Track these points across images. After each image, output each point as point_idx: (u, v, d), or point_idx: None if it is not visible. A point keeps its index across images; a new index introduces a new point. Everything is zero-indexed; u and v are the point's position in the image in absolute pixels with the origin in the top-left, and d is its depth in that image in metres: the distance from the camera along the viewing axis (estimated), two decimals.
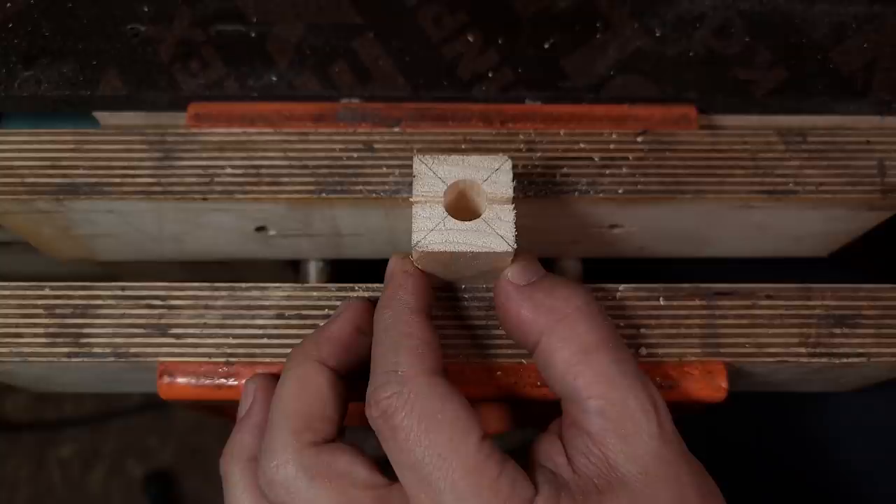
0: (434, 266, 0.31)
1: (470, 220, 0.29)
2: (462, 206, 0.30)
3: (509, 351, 0.33)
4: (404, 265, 0.30)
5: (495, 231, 0.28)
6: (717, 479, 0.29)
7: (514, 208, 0.29)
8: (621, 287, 0.34)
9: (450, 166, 0.29)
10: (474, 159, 0.29)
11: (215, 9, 0.38)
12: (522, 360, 0.33)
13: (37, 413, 1.23)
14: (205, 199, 0.35)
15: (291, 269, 0.65)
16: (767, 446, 0.58)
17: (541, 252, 0.34)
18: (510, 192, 0.29)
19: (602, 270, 0.46)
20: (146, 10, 0.38)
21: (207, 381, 0.33)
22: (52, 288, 0.34)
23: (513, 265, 0.30)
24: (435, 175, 0.29)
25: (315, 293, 0.34)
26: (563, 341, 0.28)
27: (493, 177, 0.29)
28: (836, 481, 0.55)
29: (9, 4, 0.38)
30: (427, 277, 0.30)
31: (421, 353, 0.27)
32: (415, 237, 0.28)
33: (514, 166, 0.30)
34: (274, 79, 0.37)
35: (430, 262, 0.30)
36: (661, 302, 0.34)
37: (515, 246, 0.28)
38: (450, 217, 0.28)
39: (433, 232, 0.28)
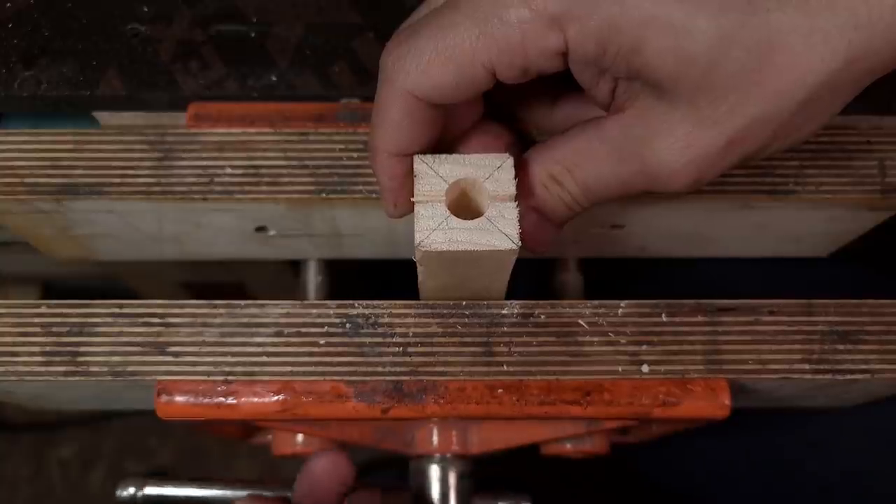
0: (437, 270, 0.30)
1: (472, 219, 0.28)
2: (464, 206, 0.30)
3: (511, 368, 0.33)
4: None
5: (499, 229, 0.28)
6: (720, 489, 0.28)
7: (517, 206, 0.28)
8: (623, 303, 0.34)
9: (451, 165, 0.29)
10: (475, 158, 0.29)
11: (215, 9, 0.38)
12: (524, 378, 0.33)
13: (36, 413, 1.23)
14: (205, 199, 0.35)
15: (291, 270, 0.65)
16: (770, 458, 0.58)
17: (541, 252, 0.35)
18: (512, 190, 0.28)
19: (602, 270, 0.46)
20: (146, 10, 0.38)
21: (206, 400, 0.33)
22: (48, 306, 0.34)
23: None
24: (436, 174, 0.29)
25: (314, 310, 0.34)
26: None
27: (495, 174, 0.29)
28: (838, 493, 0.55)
29: (9, 4, 0.38)
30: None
31: None
32: (418, 237, 0.28)
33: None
34: (274, 79, 0.37)
35: (432, 264, 0.30)
36: (664, 318, 0.34)
37: (520, 244, 0.28)
38: (452, 216, 0.28)
39: (436, 231, 0.28)
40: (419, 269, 0.31)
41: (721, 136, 0.26)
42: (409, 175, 0.29)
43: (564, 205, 0.31)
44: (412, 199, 0.28)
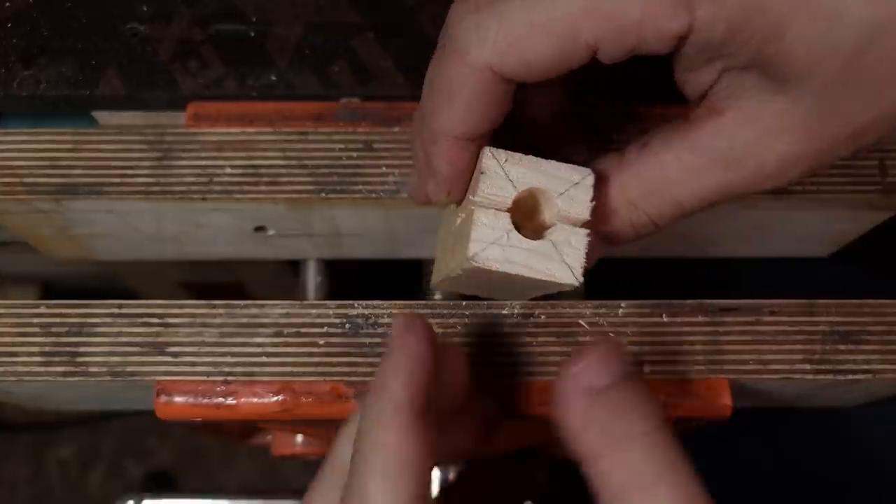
0: (471, 279, 0.28)
1: (531, 234, 0.25)
2: (525, 212, 0.26)
3: (511, 370, 0.33)
4: (408, 328, 0.25)
5: (563, 258, 0.24)
6: (719, 489, 0.28)
7: (588, 234, 0.25)
8: (623, 303, 0.34)
9: (524, 168, 0.25)
10: (553, 166, 0.25)
11: (214, 8, 0.38)
12: (524, 379, 0.33)
13: (36, 414, 1.23)
14: (204, 199, 0.35)
15: (291, 270, 0.65)
16: (770, 458, 0.58)
17: None
18: (587, 215, 0.25)
19: (602, 270, 0.46)
20: (145, 9, 0.38)
21: (205, 400, 0.33)
22: (47, 306, 0.34)
23: (583, 359, 0.24)
24: (506, 176, 0.25)
25: (314, 311, 0.34)
26: (621, 469, 0.23)
27: (570, 191, 0.25)
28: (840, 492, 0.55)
29: (8, 4, 0.38)
30: (431, 360, 0.25)
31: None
32: (472, 248, 0.24)
33: None
34: (273, 78, 0.37)
35: (472, 275, 0.26)
36: (665, 318, 0.34)
37: (582, 280, 0.24)
38: (514, 231, 0.24)
39: (493, 246, 0.24)
40: (457, 270, 0.28)
41: (848, 129, 0.24)
42: (471, 162, 0.26)
43: (634, 230, 0.28)
44: (472, 198, 0.25)
